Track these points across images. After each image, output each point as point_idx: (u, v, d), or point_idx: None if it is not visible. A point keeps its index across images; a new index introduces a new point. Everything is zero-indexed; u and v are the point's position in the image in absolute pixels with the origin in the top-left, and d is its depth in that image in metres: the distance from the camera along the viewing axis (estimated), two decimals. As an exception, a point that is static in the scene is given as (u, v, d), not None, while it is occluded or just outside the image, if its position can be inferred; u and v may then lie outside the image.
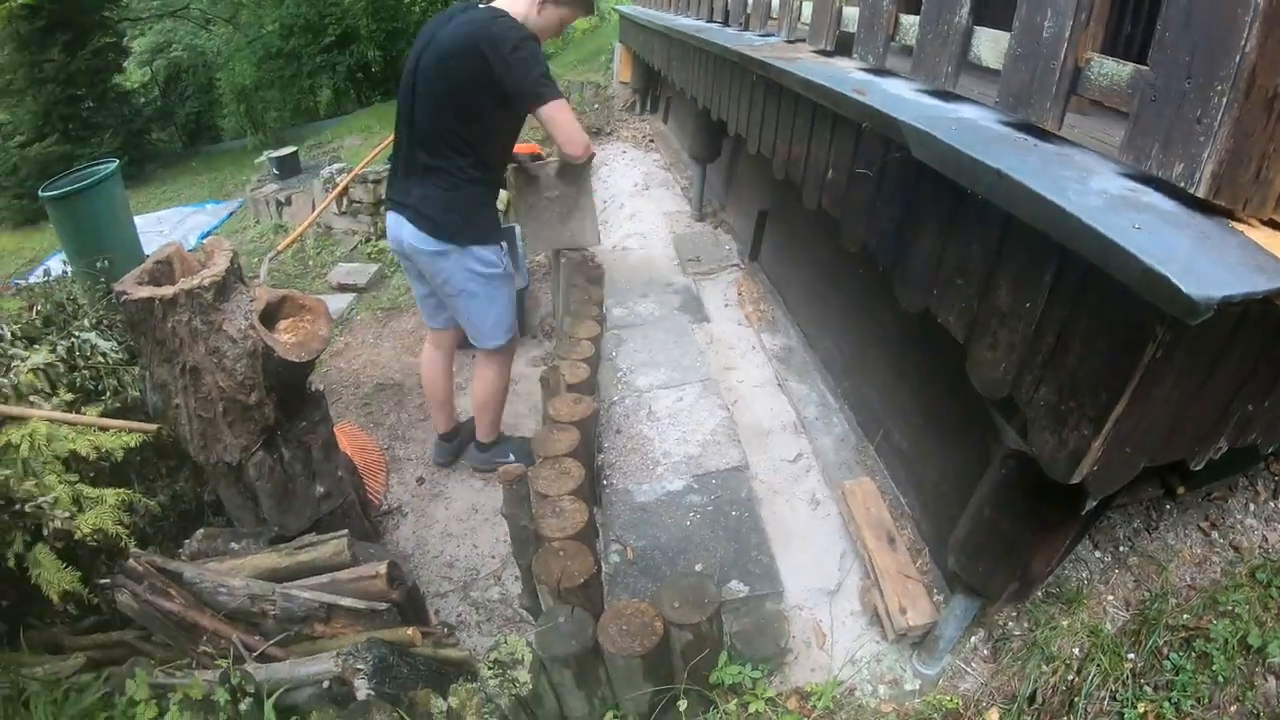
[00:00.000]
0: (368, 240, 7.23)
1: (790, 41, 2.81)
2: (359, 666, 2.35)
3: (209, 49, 15.20)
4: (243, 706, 2.34)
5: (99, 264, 4.79)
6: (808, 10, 2.69)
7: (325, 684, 2.40)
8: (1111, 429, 1.29)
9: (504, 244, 3.32)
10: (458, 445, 4.16)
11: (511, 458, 3.88)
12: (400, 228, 3.17)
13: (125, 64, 14.66)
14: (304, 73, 13.79)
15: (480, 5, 2.96)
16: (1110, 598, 2.26)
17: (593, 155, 3.29)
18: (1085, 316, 1.30)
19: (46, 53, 12.02)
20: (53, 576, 2.70)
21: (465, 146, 2.98)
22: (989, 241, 1.51)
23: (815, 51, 2.55)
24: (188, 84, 16.21)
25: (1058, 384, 1.38)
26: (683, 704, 2.15)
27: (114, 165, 6.08)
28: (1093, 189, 1.26)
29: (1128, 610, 2.23)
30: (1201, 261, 1.06)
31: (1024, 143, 1.49)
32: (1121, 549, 2.36)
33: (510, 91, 2.85)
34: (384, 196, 3.65)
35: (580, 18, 3.27)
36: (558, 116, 2.93)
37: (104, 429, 2.92)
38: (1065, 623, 2.20)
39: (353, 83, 14.50)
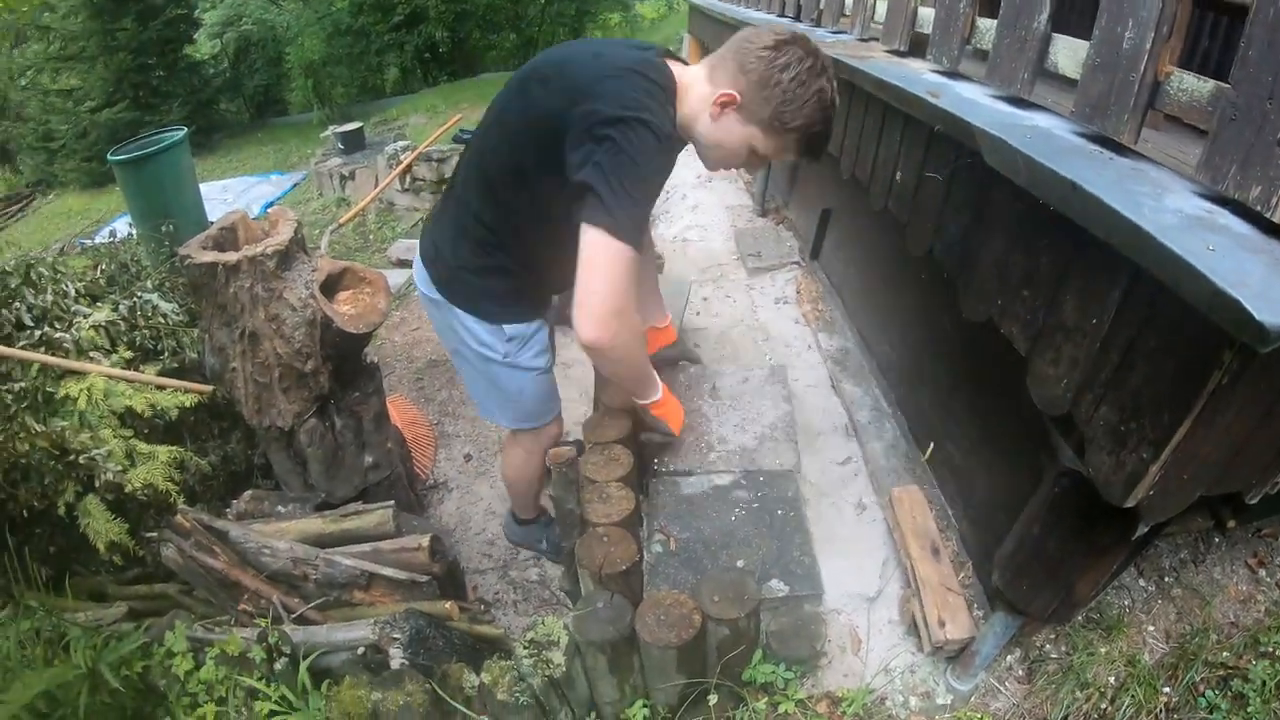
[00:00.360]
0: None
1: (863, 40, 2.78)
2: (395, 636, 2.38)
3: (279, 24, 15.39)
4: (278, 666, 2.39)
5: (164, 228, 4.90)
6: (882, 9, 2.65)
7: (361, 651, 2.44)
8: (1171, 454, 1.26)
9: (526, 324, 2.38)
10: (537, 536, 3.28)
11: (544, 546, 3.24)
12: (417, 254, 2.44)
13: (196, 35, 14.92)
14: (372, 50, 13.93)
15: (650, 52, 1.99)
16: (1151, 628, 2.22)
17: (613, 362, 2.14)
18: (1152, 337, 1.27)
19: (119, 22, 12.32)
20: (101, 527, 2.78)
21: (499, 206, 2.13)
22: (1058, 254, 1.48)
23: (888, 51, 2.51)
24: (257, 57, 16.46)
25: (1119, 404, 1.35)
26: (713, 699, 2.15)
27: (183, 133, 6.21)
28: (1168, 207, 1.23)
29: (1167, 642, 2.18)
30: (1276, 288, 1.03)
31: (1099, 155, 1.46)
32: (1166, 579, 2.30)
33: (572, 171, 1.81)
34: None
35: (778, 148, 1.97)
36: (597, 256, 1.79)
37: (160, 388, 2.99)
38: (1103, 650, 2.16)
39: (420, 62, 14.61)
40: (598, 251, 1.78)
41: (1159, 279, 1.15)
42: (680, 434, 2.70)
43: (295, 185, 9.74)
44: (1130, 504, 1.36)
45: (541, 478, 2.91)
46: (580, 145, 1.79)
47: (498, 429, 4.25)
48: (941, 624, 2.18)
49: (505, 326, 2.32)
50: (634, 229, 1.79)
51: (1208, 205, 1.26)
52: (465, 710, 2.19)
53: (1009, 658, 2.24)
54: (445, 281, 2.29)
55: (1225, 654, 2.08)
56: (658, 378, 2.45)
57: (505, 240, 2.17)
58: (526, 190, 2.05)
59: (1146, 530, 1.58)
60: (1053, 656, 2.20)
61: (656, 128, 1.77)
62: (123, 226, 6.95)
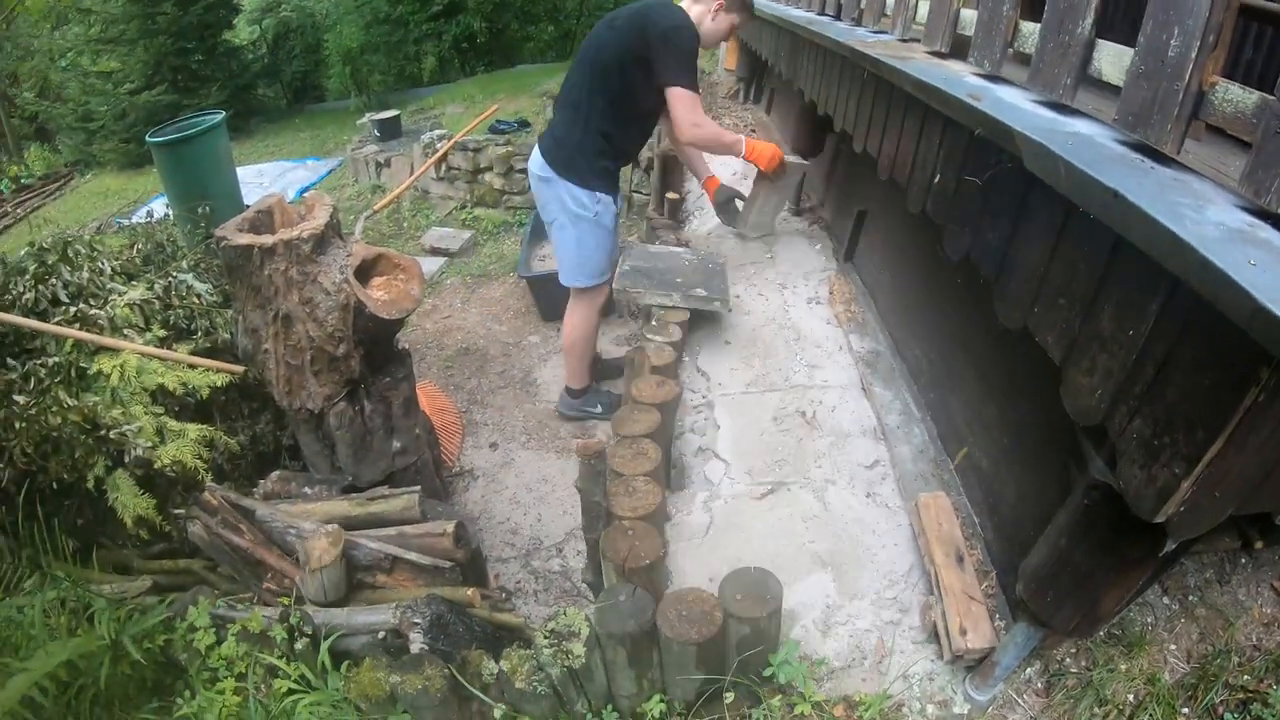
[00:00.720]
0: (463, 207, 7.35)
1: (904, 40, 2.75)
2: (416, 620, 2.39)
3: (317, 11, 15.45)
4: (298, 645, 2.41)
5: (200, 209, 4.95)
6: (924, 10, 2.62)
7: (381, 634, 2.46)
8: (1203, 470, 1.24)
9: (609, 195, 3.67)
10: (587, 400, 4.42)
11: (600, 409, 4.22)
12: (535, 150, 3.65)
13: (235, 21, 14.99)
14: (410, 39, 13.93)
15: None
16: (1173, 647, 2.18)
17: (705, 144, 3.70)
18: (1189, 351, 1.25)
19: (160, 6, 12.38)
20: (129, 501, 2.83)
21: (601, 98, 3.43)
22: (1096, 263, 1.46)
23: (929, 52, 2.49)
24: (295, 44, 16.51)
25: (1153, 417, 1.33)
26: (729, 696, 2.15)
27: (221, 116, 6.28)
28: (1209, 219, 1.21)
29: (1188, 662, 2.15)
30: (1317, 306, 1.00)
31: (1140, 164, 1.43)
32: (1190, 598, 2.27)
33: (655, 65, 3.28)
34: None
35: (742, 20, 3.61)
36: (677, 102, 3.33)
37: (192, 366, 3.04)
38: (1124, 666, 2.13)
39: (457, 52, 14.60)
40: (681, 96, 3.31)
41: (1198, 292, 1.13)
42: (771, 166, 3.79)
43: (331, 171, 9.81)
44: (1160, 519, 1.34)
45: (595, 339, 4.09)
46: (660, 46, 3.24)
47: (524, 420, 4.30)
48: (963, 632, 2.16)
49: (598, 194, 3.58)
50: (694, 83, 3.36)
51: (1250, 219, 1.23)
52: (483, 697, 2.20)
53: (1028, 670, 2.22)
54: (563, 162, 3.52)
55: (1246, 677, 2.05)
56: (739, 140, 3.70)
57: (610, 114, 3.46)
58: (620, 78, 3.37)
59: (1174, 547, 1.56)
60: (1072, 671, 2.18)
61: (689, 25, 3.33)
62: (159, 207, 7.04)
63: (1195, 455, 1.24)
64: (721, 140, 3.63)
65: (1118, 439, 1.43)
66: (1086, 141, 1.54)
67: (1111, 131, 1.61)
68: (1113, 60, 1.65)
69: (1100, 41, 1.69)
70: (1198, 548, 2.15)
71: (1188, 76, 1.37)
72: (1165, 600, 2.26)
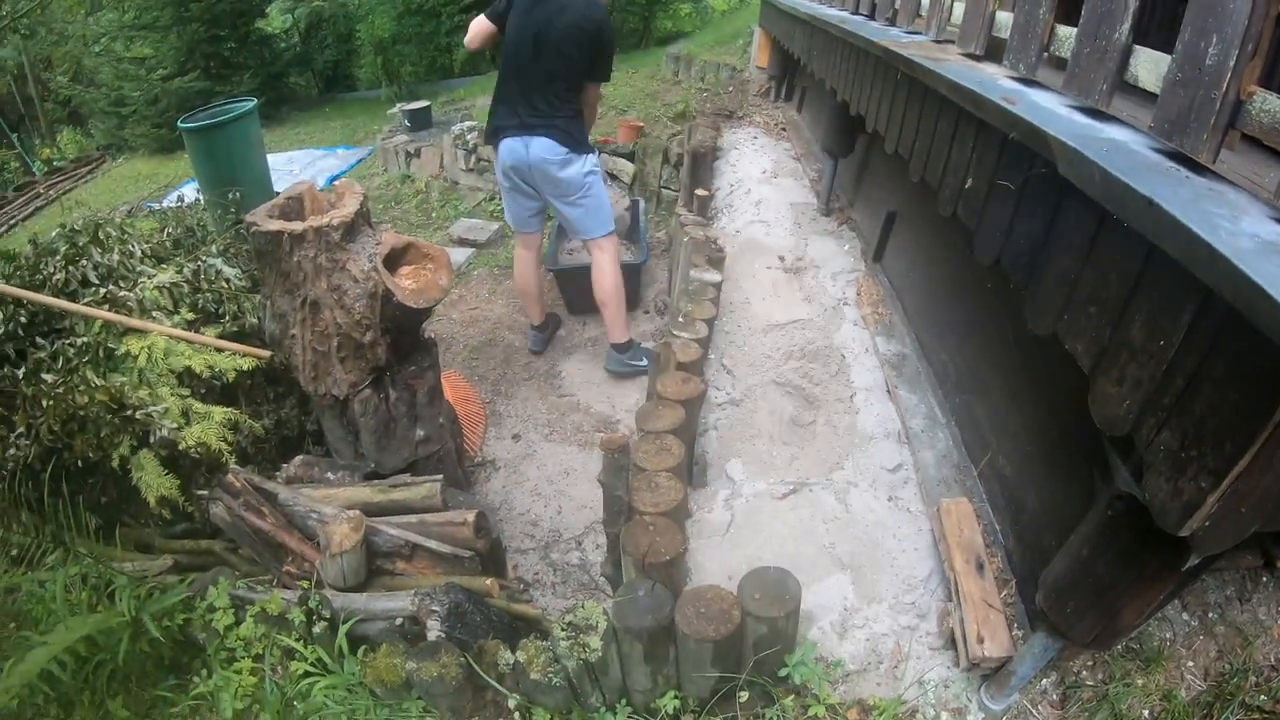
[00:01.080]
0: (492, 198, 7.36)
1: (938, 42, 2.73)
2: (434, 608, 2.41)
3: (350, 1, 15.55)
4: (316, 629, 2.43)
5: (230, 195, 4.99)
6: (959, 11, 2.60)
7: (399, 621, 2.48)
8: (1230, 485, 1.22)
9: (597, 153, 4.35)
10: (549, 334, 5.08)
11: (645, 362, 4.49)
12: (527, 145, 3.95)
13: (268, 10, 15.15)
14: (441, 31, 13.92)
15: None
16: (1190, 664, 2.16)
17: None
18: (1220, 363, 1.23)
19: (193, -7, 12.54)
20: (153, 481, 2.86)
21: (573, 91, 3.94)
22: (1128, 271, 1.44)
23: (963, 54, 2.47)
24: (327, 33, 16.62)
25: (1181, 429, 1.32)
26: (744, 695, 2.15)
27: (253, 104, 6.33)
28: (1244, 231, 1.19)
29: (1205, 680, 2.12)
30: (1354, 321, 0.99)
31: (1175, 173, 1.41)
32: (1210, 615, 2.24)
33: (597, 69, 3.95)
34: (496, 128, 4.12)
35: None
36: (593, 95, 4.13)
37: (219, 350, 3.06)
38: (1140, 681, 2.11)
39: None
40: (594, 92, 4.11)
41: (1230, 304, 1.12)
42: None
43: (360, 160, 9.85)
44: (1184, 533, 1.32)
45: (623, 290, 4.40)
46: (604, 53, 3.87)
47: (547, 412, 4.32)
48: (981, 641, 2.15)
49: (592, 152, 4.15)
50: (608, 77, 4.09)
51: (1285, 231, 1.21)
52: (498, 686, 2.22)
53: (1044, 681, 2.20)
54: (578, 142, 4.00)
55: (1263, 697, 2.02)
56: None
57: (578, 100, 3.99)
58: (583, 75, 3.91)
59: (1196, 562, 1.54)
60: (1089, 684, 2.16)
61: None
62: (190, 192, 7.11)
63: (1222, 469, 1.22)
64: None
65: (1145, 450, 1.42)
66: (1121, 148, 1.52)
67: (1146, 139, 1.59)
68: (1149, 66, 1.63)
69: (1137, 47, 1.67)
70: (1220, 564, 2.13)
71: (1225, 85, 1.35)
72: (1185, 616, 2.24)
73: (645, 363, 4.47)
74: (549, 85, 3.88)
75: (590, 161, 4.12)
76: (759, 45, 7.58)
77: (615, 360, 4.58)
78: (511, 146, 4.01)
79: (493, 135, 4.13)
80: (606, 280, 4.30)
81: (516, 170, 4.11)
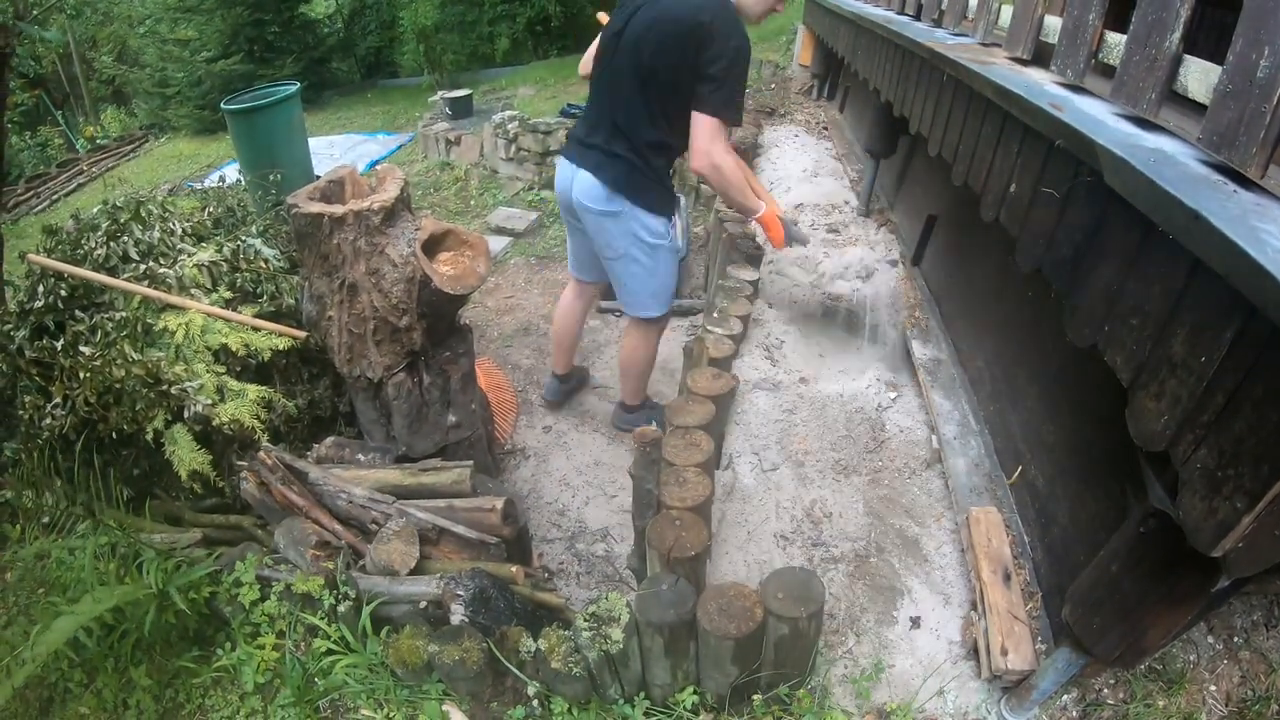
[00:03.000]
0: (530, 188, 7.39)
1: (984, 44, 2.69)
2: (459, 593, 2.42)
3: (394, -12, 15.69)
4: (341, 608, 2.46)
5: (271, 176, 5.04)
6: (1006, 14, 2.57)
7: (423, 605, 2.49)
8: (1266, 506, 1.20)
9: (674, 216, 3.27)
10: (571, 388, 4.40)
11: (654, 425, 3.79)
12: (573, 179, 3.14)
13: (312, -4, 15.38)
14: (484, 20, 14.00)
15: None
16: (1213, 688, 2.11)
17: (714, 176, 2.91)
18: (1261, 383, 1.21)
19: (238, -23, 12.72)
20: (185, 455, 2.91)
21: (660, 119, 2.94)
22: (1172, 285, 1.42)
23: (1010, 58, 2.44)
24: (370, 20, 16.79)
25: (1219, 448, 1.29)
26: (758, 698, 2.14)
27: (295, 87, 6.42)
28: (1292, 248, 1.16)
29: (1226, 705, 2.07)
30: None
31: (1223, 186, 1.39)
32: (1235, 639, 2.19)
33: (704, 88, 2.74)
34: (566, 140, 3.35)
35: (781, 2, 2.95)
36: (701, 130, 2.79)
37: (256, 329, 3.10)
38: (1161, 703, 2.07)
39: (531, 34, 14.62)
40: (705, 126, 2.78)
41: (1275, 322, 1.09)
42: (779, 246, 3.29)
43: (401, 146, 9.95)
44: (1217, 553, 1.30)
45: (653, 363, 3.75)
46: (716, 68, 2.71)
47: (579, 403, 4.31)
48: (1004, 652, 2.12)
49: (670, 217, 3.21)
50: (734, 113, 2.82)
51: (1335, 252, 1.19)
52: (518, 673, 2.23)
53: (1065, 697, 2.17)
54: (633, 192, 3.04)
55: (1284, 725, 1.99)
56: (762, 202, 3.18)
57: (668, 134, 2.97)
58: (676, 98, 2.84)
59: (1226, 584, 1.52)
60: (1109, 702, 2.13)
61: (744, 41, 2.74)
62: (231, 172, 7.21)
63: (1259, 490, 1.20)
64: (742, 192, 3.07)
65: (1181, 467, 1.39)
66: (1169, 159, 1.50)
67: (1194, 151, 1.56)
68: (1199, 77, 1.60)
69: (1187, 57, 1.64)
70: (1249, 588, 2.09)
71: (1276, 99, 1.32)
72: (1209, 639, 2.20)
73: (654, 424, 3.68)
74: (629, 101, 2.96)
75: (655, 227, 3.16)
76: (803, 42, 7.53)
77: (621, 419, 4.04)
78: (561, 171, 3.27)
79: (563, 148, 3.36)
80: (636, 356, 3.65)
81: (563, 202, 3.35)
